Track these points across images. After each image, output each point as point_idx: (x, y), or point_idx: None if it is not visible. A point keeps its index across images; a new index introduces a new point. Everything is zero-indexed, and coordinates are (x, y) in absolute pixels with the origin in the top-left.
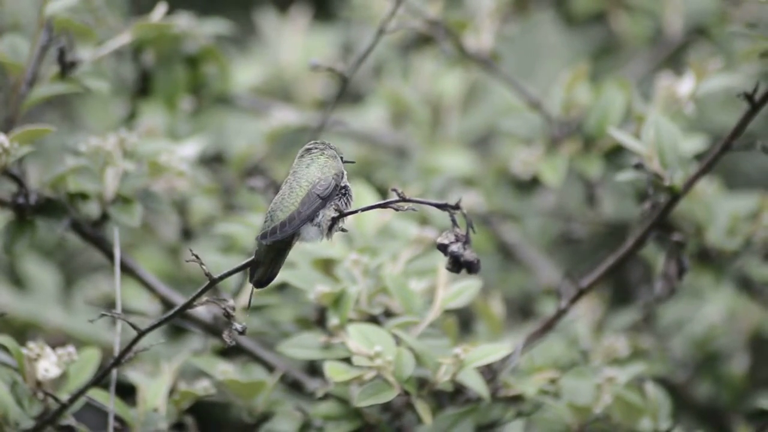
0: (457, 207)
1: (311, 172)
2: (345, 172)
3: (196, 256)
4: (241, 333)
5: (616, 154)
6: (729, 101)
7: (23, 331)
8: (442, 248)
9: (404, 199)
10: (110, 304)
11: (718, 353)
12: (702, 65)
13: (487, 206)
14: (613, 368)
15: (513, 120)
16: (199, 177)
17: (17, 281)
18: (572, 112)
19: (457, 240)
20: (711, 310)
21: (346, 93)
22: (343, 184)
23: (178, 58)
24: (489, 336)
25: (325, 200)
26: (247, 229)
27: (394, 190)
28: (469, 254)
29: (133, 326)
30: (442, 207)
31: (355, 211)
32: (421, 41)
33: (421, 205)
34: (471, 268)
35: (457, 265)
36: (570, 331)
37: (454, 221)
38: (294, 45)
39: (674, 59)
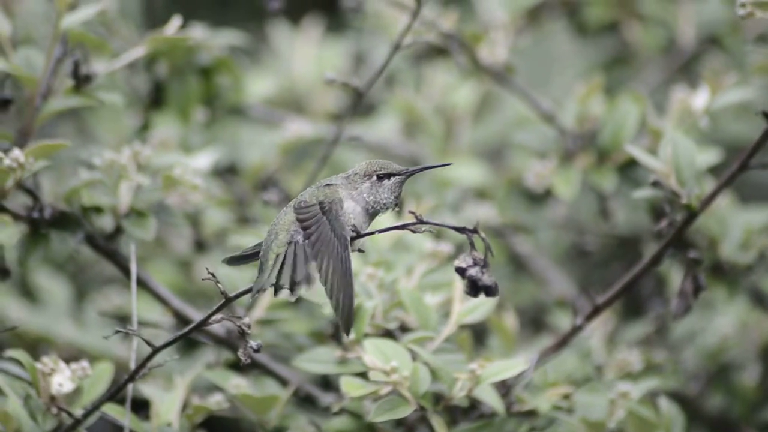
0: (475, 230)
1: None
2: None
3: (212, 275)
4: (256, 351)
5: (630, 168)
6: (743, 111)
7: (35, 346)
8: (460, 272)
9: (422, 222)
10: (123, 317)
11: (731, 365)
12: (716, 79)
13: (500, 219)
14: (627, 383)
15: (526, 133)
16: (212, 189)
17: (28, 293)
18: (586, 124)
19: (475, 264)
20: (723, 321)
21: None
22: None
23: (191, 69)
24: (502, 350)
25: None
26: (260, 241)
27: (412, 212)
28: (487, 278)
29: (148, 342)
30: (461, 230)
31: (372, 233)
32: (434, 51)
33: (436, 215)
34: (489, 292)
35: (475, 289)
36: (583, 345)
37: (472, 244)
38: (306, 56)
39: (687, 68)
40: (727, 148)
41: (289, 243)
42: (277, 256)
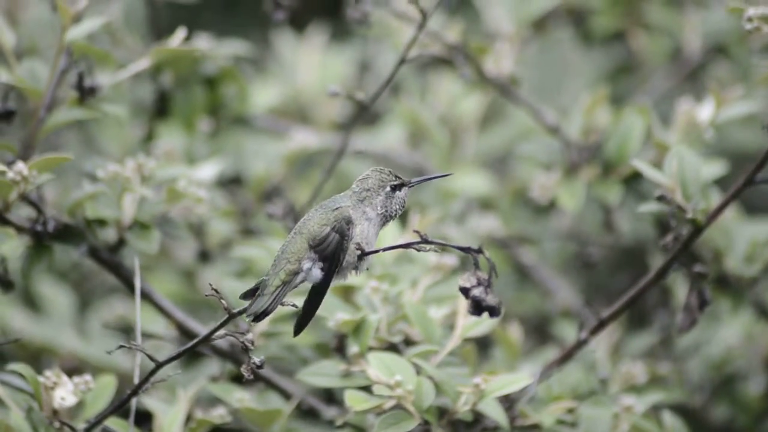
0: (479, 250)
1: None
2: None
3: (216, 291)
4: (259, 367)
5: (635, 180)
6: (749, 120)
7: (38, 356)
8: (464, 292)
9: (426, 241)
10: (126, 328)
11: (736, 375)
12: (722, 91)
13: (504, 230)
14: (631, 396)
15: (531, 144)
16: (216, 200)
17: (31, 302)
18: (591, 137)
19: (479, 284)
20: (728, 332)
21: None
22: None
23: (196, 79)
24: (507, 362)
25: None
26: (264, 252)
27: (416, 231)
28: (491, 299)
29: (151, 357)
30: (465, 250)
31: (377, 251)
32: (440, 60)
33: (441, 227)
34: (492, 312)
35: (479, 309)
36: (588, 357)
37: (476, 263)
38: (311, 64)
39: (695, 77)
40: (734, 157)
41: (296, 273)
42: (283, 282)
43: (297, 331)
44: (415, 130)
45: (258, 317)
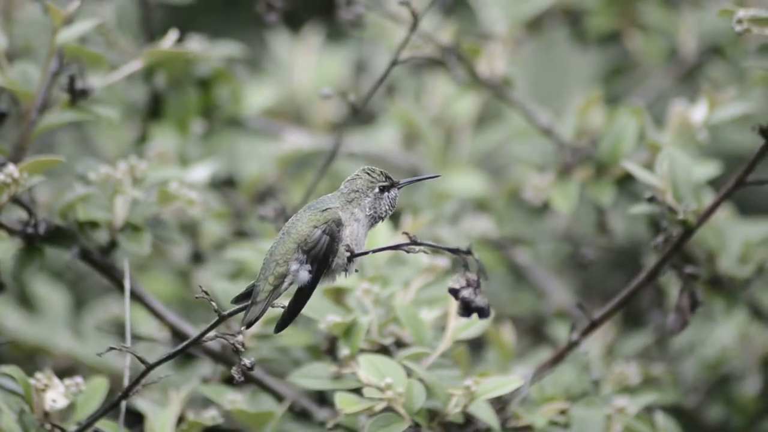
0: (469, 252)
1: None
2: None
3: (206, 293)
4: (250, 369)
5: (628, 181)
6: (744, 121)
7: (32, 356)
8: (453, 293)
9: (415, 243)
10: (120, 329)
11: (731, 376)
12: (716, 92)
13: (499, 231)
14: (624, 397)
15: (525, 146)
16: (209, 202)
17: (26, 302)
18: (584, 138)
19: (468, 285)
20: (723, 332)
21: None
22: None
23: (189, 80)
24: (500, 363)
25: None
26: (257, 254)
27: (405, 233)
28: (480, 300)
29: (142, 360)
30: (454, 252)
31: (366, 253)
32: (434, 61)
33: (434, 228)
34: (481, 313)
35: (468, 310)
36: (582, 358)
37: (465, 265)
38: (306, 65)
39: (691, 76)
40: (729, 157)
41: (285, 276)
42: (273, 287)
43: (279, 328)
44: (409, 130)
45: (250, 324)
